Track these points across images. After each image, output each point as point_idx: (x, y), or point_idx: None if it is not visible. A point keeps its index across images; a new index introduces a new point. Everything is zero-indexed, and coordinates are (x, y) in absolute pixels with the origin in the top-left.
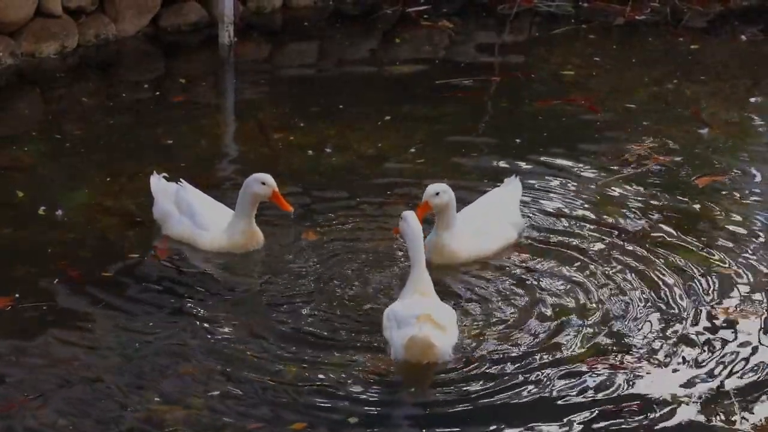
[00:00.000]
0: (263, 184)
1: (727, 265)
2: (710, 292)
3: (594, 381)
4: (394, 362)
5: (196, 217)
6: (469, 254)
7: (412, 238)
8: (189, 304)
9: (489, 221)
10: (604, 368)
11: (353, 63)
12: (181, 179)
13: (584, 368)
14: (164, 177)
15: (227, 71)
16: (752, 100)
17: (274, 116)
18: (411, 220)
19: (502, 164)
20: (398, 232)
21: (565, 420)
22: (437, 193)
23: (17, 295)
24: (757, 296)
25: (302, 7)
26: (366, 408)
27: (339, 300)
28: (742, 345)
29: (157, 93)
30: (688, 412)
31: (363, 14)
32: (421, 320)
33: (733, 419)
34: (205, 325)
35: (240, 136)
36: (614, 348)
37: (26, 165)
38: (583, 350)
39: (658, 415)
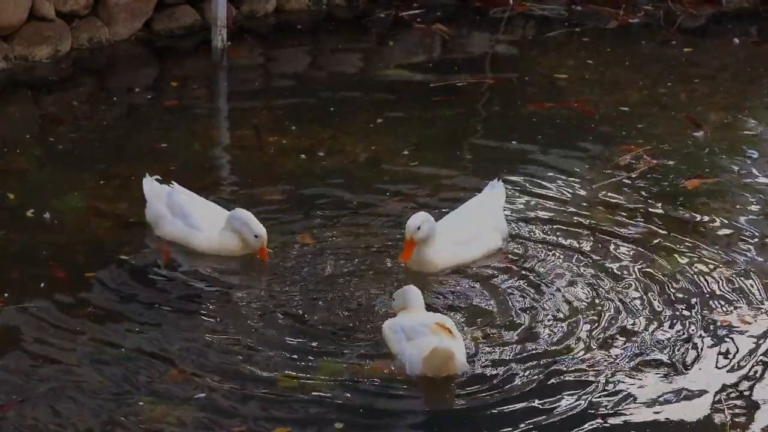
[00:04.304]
0: (255, 237)
1: (722, 268)
2: (707, 294)
3: (593, 383)
4: (409, 375)
5: (189, 218)
6: (449, 263)
7: (416, 302)
8: (181, 307)
9: (471, 228)
10: (604, 370)
11: (346, 66)
12: (173, 182)
13: (584, 371)
14: (157, 179)
15: (220, 75)
16: (745, 102)
17: (267, 120)
18: (411, 291)
19: (496, 167)
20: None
21: (566, 423)
22: (419, 228)
23: (6, 295)
24: (753, 298)
25: (295, 11)
26: (354, 414)
27: (333, 304)
28: (739, 346)
29: (150, 97)
30: (687, 414)
31: (356, 18)
32: (436, 330)
33: (729, 421)
34: (196, 327)
35: (233, 139)
36: (612, 350)
37: (19, 169)
38: (581, 353)
39: (656, 416)
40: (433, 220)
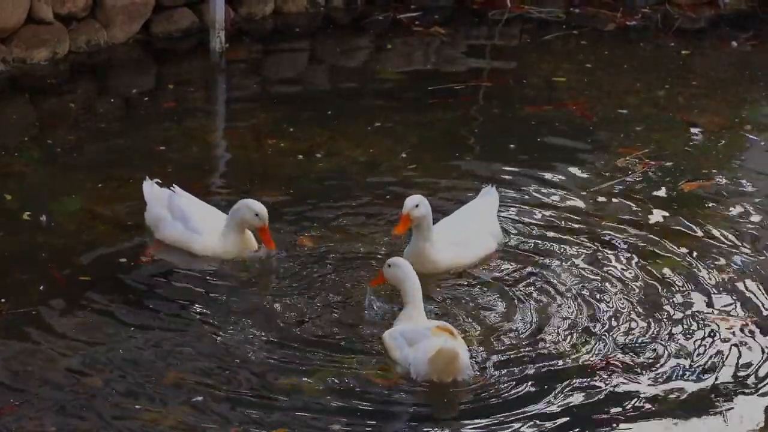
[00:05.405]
0: (256, 215)
1: (721, 270)
2: (707, 296)
3: (591, 385)
4: (414, 380)
5: (190, 221)
6: (449, 264)
7: (407, 281)
8: (178, 310)
9: (468, 232)
10: (599, 373)
11: (344, 69)
12: (174, 185)
13: (582, 374)
14: (157, 182)
15: (218, 77)
16: (743, 105)
17: (265, 122)
18: (403, 264)
19: (493, 169)
20: (382, 281)
21: (563, 426)
22: (417, 205)
23: (2, 300)
24: (749, 301)
25: (293, 13)
26: (351, 416)
27: (332, 306)
28: (737, 348)
29: (148, 99)
30: (684, 414)
31: (354, 20)
32: (438, 332)
33: (726, 422)
34: (193, 330)
35: (231, 141)
36: (607, 353)
37: (17, 171)
38: (577, 356)
39: (654, 416)
40: (428, 203)
